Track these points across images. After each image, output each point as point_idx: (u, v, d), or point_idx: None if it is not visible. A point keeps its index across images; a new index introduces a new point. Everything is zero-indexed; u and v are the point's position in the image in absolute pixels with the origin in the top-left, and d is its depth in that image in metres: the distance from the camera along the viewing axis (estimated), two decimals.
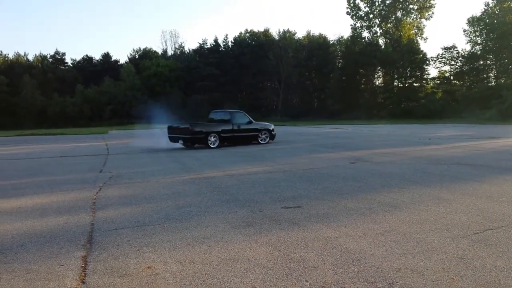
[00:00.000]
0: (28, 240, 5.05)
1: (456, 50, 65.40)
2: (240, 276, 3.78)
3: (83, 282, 3.73)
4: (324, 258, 4.15)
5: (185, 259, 4.26)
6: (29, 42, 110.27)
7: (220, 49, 72.54)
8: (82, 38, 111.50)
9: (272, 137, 20.23)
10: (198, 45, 73.81)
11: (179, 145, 18.74)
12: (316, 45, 70.68)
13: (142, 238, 4.98)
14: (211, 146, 18.20)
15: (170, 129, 19.11)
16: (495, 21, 59.68)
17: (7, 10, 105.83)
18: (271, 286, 3.56)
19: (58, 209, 6.74)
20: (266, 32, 72.76)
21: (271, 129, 20.30)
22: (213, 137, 18.31)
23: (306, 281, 3.63)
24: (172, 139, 18.84)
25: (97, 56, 74.35)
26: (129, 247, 4.68)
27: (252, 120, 20.01)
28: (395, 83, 68.50)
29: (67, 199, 7.54)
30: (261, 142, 19.75)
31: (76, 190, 8.49)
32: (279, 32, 70.73)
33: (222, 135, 18.63)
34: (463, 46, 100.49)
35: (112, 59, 72.63)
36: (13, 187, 9.17)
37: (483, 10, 63.16)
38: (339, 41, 74.00)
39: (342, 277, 3.68)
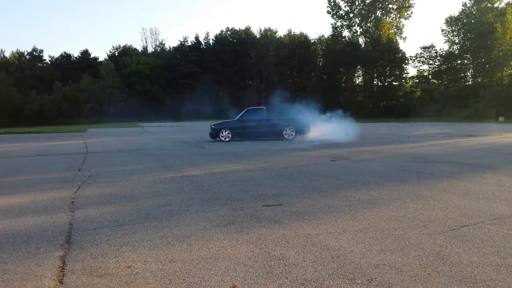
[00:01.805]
0: (5, 240, 4.95)
1: (434, 50, 66.70)
2: (220, 274, 3.78)
3: (61, 282, 3.68)
4: (304, 256, 4.18)
5: (165, 258, 4.23)
6: (5, 39, 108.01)
7: (201, 47, 72.32)
8: (60, 35, 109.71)
9: None
10: (179, 42, 73.55)
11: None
12: (298, 43, 71.07)
13: (122, 238, 4.94)
14: None
15: None
16: (473, 21, 60.89)
17: None
18: (251, 284, 3.56)
19: (36, 208, 6.62)
20: (247, 30, 72.81)
21: None
22: None
23: (286, 278, 3.65)
24: None
25: (75, 53, 73.46)
26: (108, 246, 4.63)
27: None
28: (374, 82, 69.35)
29: (45, 199, 7.41)
30: None
31: (54, 189, 8.36)
32: (260, 31, 70.89)
33: None
34: (441, 45, 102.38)
35: (91, 56, 71.77)
36: None
37: (461, 10, 64.52)
38: (320, 40, 74.56)
39: (322, 274, 3.71)
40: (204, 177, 9.38)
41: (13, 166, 12.68)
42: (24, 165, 12.87)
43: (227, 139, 20.45)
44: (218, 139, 20.66)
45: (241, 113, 21.42)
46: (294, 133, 20.72)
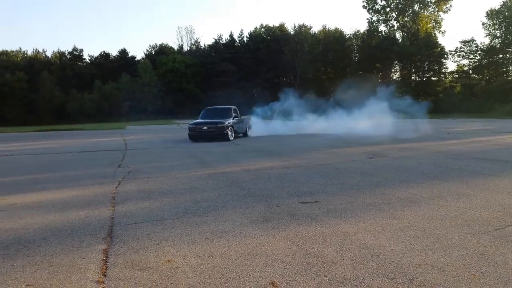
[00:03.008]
0: (50, 234, 5.14)
1: (474, 44, 64.30)
2: (259, 270, 3.79)
3: (105, 275, 3.79)
4: (342, 254, 4.14)
5: (204, 253, 4.29)
6: (47, 39, 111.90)
7: (236, 44, 72.49)
8: (99, 35, 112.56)
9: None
10: (213, 40, 73.91)
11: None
12: (332, 39, 70.14)
13: (161, 232, 5.04)
14: None
15: None
16: None
17: (25, 7, 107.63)
18: (290, 281, 3.56)
19: (79, 203, 6.85)
20: (281, 27, 72.45)
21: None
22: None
23: (325, 276, 3.63)
24: None
25: (114, 52, 75.08)
26: (148, 241, 4.74)
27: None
28: (412, 77, 67.73)
29: (87, 194, 7.66)
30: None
31: (96, 184, 8.61)
32: (295, 27, 70.26)
33: None
34: (482, 39, 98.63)
35: (129, 55, 73.15)
36: (34, 181, 9.34)
37: (502, 2, 61.96)
38: (356, 35, 73.26)
39: (361, 273, 3.67)
40: (239, 174, 9.43)
41: (56, 162, 13.14)
42: (66, 161, 13.31)
43: (232, 138, 19.73)
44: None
45: (229, 111, 20.99)
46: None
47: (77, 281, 3.68)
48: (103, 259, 4.19)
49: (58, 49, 71.51)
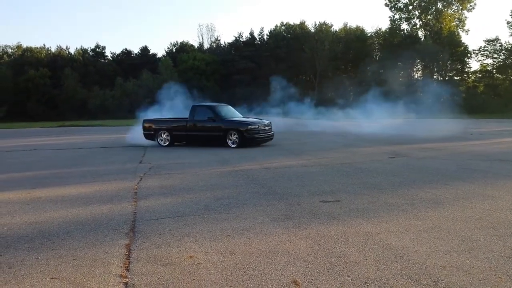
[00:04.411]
0: (74, 228, 5.21)
1: (499, 43, 62.88)
2: (280, 268, 3.78)
3: (128, 270, 3.82)
4: (365, 254, 4.10)
5: (226, 250, 4.30)
6: (70, 36, 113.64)
7: (256, 42, 72.42)
8: (121, 32, 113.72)
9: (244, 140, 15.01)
10: (233, 38, 73.99)
11: None
12: (353, 37, 69.48)
13: (183, 228, 5.06)
14: None
15: None
16: None
17: (50, 4, 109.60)
18: (312, 280, 3.53)
19: (101, 198, 6.94)
20: (302, 25, 72.04)
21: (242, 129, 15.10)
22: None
23: (348, 276, 3.59)
24: None
25: (135, 49, 75.72)
26: (170, 236, 4.77)
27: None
28: (434, 76, 66.70)
29: (110, 189, 7.75)
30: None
31: (118, 180, 8.72)
32: (315, 25, 69.79)
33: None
34: (507, 38, 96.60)
35: (150, 53, 73.71)
36: (57, 176, 9.50)
37: None
38: (377, 33, 72.47)
39: (385, 274, 3.62)
40: (259, 172, 9.42)
41: (79, 157, 13.34)
42: (88, 156, 13.51)
43: None
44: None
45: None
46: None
47: (101, 275, 3.72)
48: (126, 254, 4.24)
49: (81, 46, 72.34)
